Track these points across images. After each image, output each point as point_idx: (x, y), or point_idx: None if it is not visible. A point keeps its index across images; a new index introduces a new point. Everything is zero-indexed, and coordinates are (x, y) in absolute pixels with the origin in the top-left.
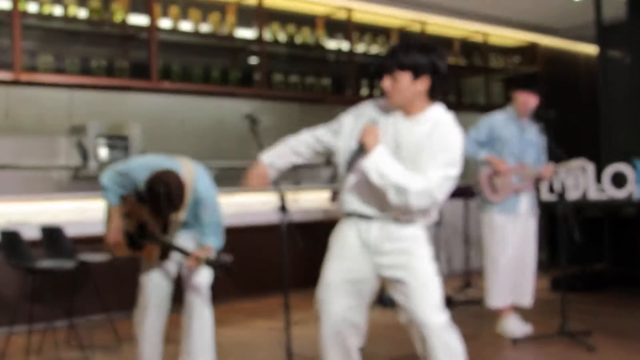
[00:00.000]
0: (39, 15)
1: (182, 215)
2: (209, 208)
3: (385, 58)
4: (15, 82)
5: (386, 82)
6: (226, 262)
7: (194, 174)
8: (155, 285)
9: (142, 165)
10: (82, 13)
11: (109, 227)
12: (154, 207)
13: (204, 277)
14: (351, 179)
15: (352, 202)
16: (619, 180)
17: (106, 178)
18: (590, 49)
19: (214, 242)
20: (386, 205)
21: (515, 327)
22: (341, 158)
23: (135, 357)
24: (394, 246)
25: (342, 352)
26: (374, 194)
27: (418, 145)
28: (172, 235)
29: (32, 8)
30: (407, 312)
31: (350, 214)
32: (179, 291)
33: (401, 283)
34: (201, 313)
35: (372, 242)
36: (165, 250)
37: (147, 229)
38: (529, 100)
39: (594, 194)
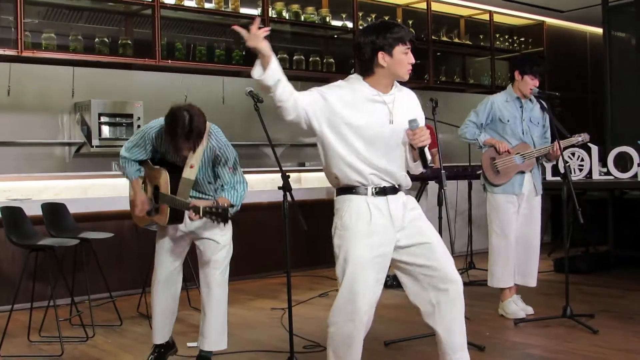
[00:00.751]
0: None
1: (194, 171)
2: (228, 166)
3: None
4: (18, 59)
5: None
6: (224, 209)
7: (208, 129)
8: (164, 258)
9: (157, 122)
10: None
11: (135, 201)
12: (172, 131)
13: (220, 255)
14: (376, 157)
15: (374, 178)
16: (623, 162)
17: (123, 149)
18: (596, 30)
19: (231, 198)
20: (402, 178)
21: (517, 308)
22: (367, 131)
23: (136, 335)
24: (410, 215)
25: (367, 326)
26: (396, 169)
27: (407, 115)
28: (183, 197)
29: None
30: (435, 272)
31: (371, 190)
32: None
33: (425, 246)
34: (214, 292)
35: (395, 215)
36: (174, 213)
37: (159, 190)
38: (530, 81)
39: (598, 176)
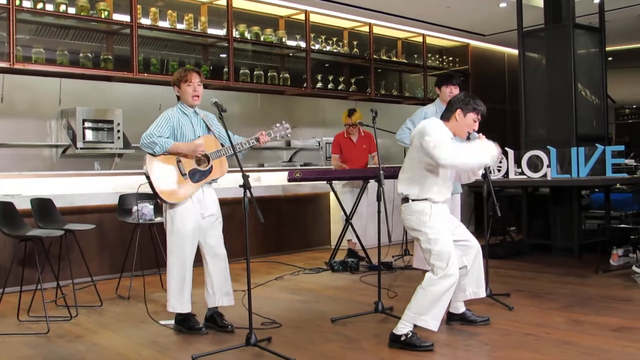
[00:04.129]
0: (33, 11)
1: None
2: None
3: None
4: (10, 71)
5: None
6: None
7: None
8: (190, 239)
9: (170, 109)
10: (72, 10)
11: (196, 145)
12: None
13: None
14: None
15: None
16: (535, 164)
17: (148, 132)
18: (513, 51)
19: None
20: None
21: None
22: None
23: (114, 314)
24: None
25: None
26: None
27: None
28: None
29: (26, 4)
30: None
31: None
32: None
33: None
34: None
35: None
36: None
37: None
38: (451, 91)
39: (514, 175)
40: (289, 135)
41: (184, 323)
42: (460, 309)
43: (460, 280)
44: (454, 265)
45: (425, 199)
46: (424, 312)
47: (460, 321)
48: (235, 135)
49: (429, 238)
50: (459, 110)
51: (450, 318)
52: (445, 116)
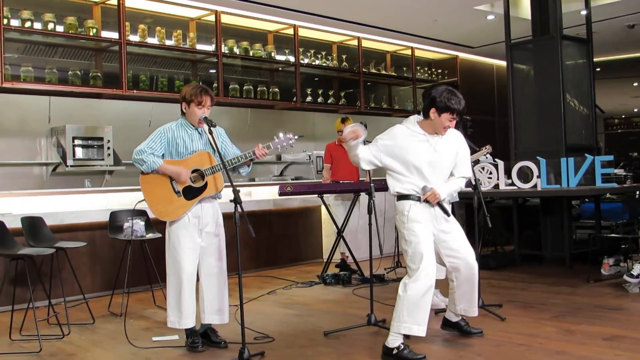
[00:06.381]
0: (21, 29)
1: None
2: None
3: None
4: None
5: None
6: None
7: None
8: (188, 254)
9: (166, 125)
10: (60, 28)
11: (179, 173)
12: (200, 89)
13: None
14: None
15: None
16: (525, 174)
17: (140, 148)
18: (501, 63)
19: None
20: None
21: (437, 300)
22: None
23: (107, 332)
24: None
25: None
26: None
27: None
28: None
29: (14, 22)
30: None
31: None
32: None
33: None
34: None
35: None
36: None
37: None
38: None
39: (504, 186)
40: (292, 145)
41: (187, 339)
42: (454, 318)
43: (451, 293)
44: (427, 267)
45: (407, 197)
46: (405, 319)
47: (454, 330)
48: (235, 148)
49: (405, 239)
50: (433, 109)
51: (445, 324)
52: (424, 113)
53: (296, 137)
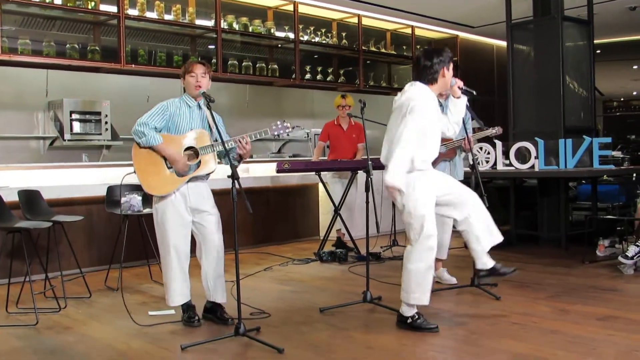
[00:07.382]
0: (18, 1)
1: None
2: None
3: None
4: None
5: None
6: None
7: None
8: (177, 231)
9: (168, 100)
10: (58, 0)
11: (174, 157)
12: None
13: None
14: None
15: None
16: (523, 155)
17: (142, 120)
18: (501, 43)
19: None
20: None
21: (449, 276)
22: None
23: (103, 305)
24: None
25: None
26: None
27: None
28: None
29: None
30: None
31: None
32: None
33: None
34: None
35: None
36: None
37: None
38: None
39: (502, 167)
40: (288, 134)
41: (183, 314)
42: (489, 264)
43: (467, 236)
44: (429, 228)
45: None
46: (414, 289)
47: (495, 276)
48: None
49: (409, 211)
50: (444, 69)
51: (484, 275)
52: (429, 79)
53: (293, 127)
